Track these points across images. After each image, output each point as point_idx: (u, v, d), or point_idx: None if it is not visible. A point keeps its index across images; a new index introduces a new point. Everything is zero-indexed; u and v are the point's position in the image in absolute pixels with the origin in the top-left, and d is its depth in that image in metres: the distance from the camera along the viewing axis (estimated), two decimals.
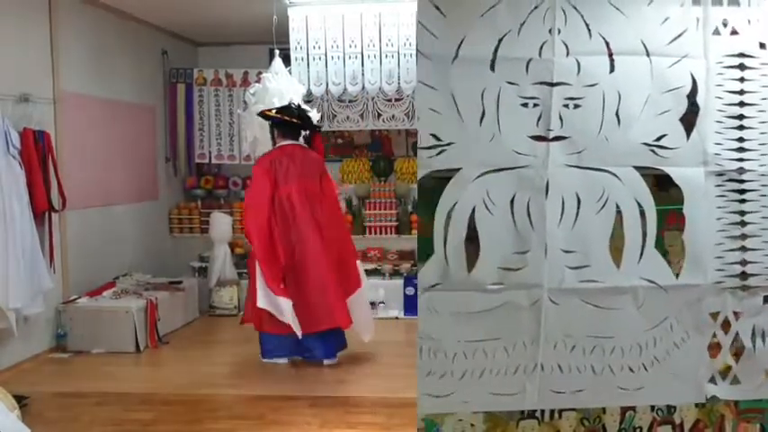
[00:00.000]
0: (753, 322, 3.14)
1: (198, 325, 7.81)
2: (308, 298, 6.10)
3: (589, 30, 2.88)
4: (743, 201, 3.05)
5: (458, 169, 2.87)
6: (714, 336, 3.12)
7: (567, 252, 2.94)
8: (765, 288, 3.11)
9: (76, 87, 7.11)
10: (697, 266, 3.04)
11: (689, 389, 3.16)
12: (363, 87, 7.55)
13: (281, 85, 6.99)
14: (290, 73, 7.29)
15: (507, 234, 2.92)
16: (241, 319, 6.58)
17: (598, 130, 2.91)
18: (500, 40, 2.84)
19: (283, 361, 6.41)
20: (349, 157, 9.48)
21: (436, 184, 2.88)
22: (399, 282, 8.18)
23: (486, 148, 2.87)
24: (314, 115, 7.17)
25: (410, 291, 7.98)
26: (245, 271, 7.51)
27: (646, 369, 3.08)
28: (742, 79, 3.01)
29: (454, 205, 2.88)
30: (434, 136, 2.86)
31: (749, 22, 3.02)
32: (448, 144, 2.86)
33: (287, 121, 6.36)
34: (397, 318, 8.01)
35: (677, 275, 3.03)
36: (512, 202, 2.90)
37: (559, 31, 2.86)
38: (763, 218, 3.07)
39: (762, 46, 3.03)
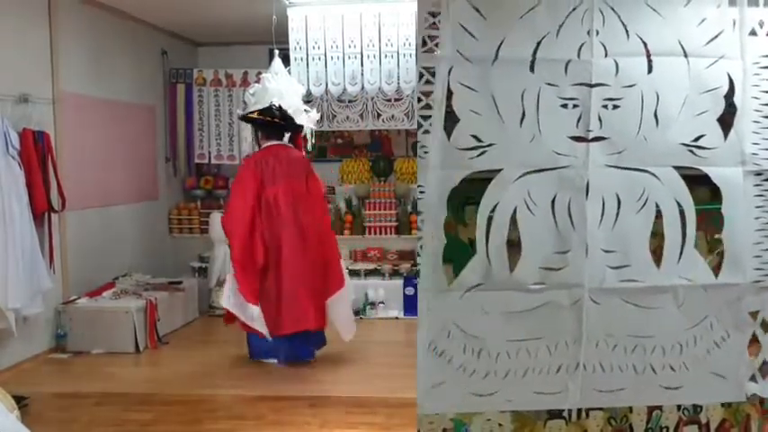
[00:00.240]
0: None
1: (198, 325, 7.81)
2: (282, 299, 6.11)
3: (627, 31, 2.91)
4: None
5: (499, 170, 2.91)
6: (754, 334, 3.15)
7: (607, 252, 2.98)
8: None
9: (76, 88, 7.10)
10: (736, 266, 3.06)
11: (729, 387, 3.19)
12: (363, 87, 7.57)
13: (280, 86, 6.97)
14: (290, 73, 7.29)
15: (548, 234, 2.96)
16: (224, 319, 6.58)
17: (637, 131, 2.94)
18: (539, 42, 2.88)
19: (272, 361, 6.41)
20: (349, 158, 9.53)
21: (470, 185, 2.91)
22: (399, 282, 8.17)
23: (526, 149, 2.91)
24: (313, 115, 7.18)
25: (410, 291, 7.98)
26: None
27: (686, 368, 3.11)
28: None
29: (495, 206, 2.92)
30: (475, 137, 2.89)
31: None
32: (489, 145, 2.89)
33: (270, 121, 6.36)
34: (396, 318, 8.01)
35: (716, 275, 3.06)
36: (552, 202, 2.94)
37: (597, 33, 2.90)
38: None
39: None
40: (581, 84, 2.89)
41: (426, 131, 2.84)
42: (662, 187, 2.95)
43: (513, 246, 2.92)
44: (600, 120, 2.90)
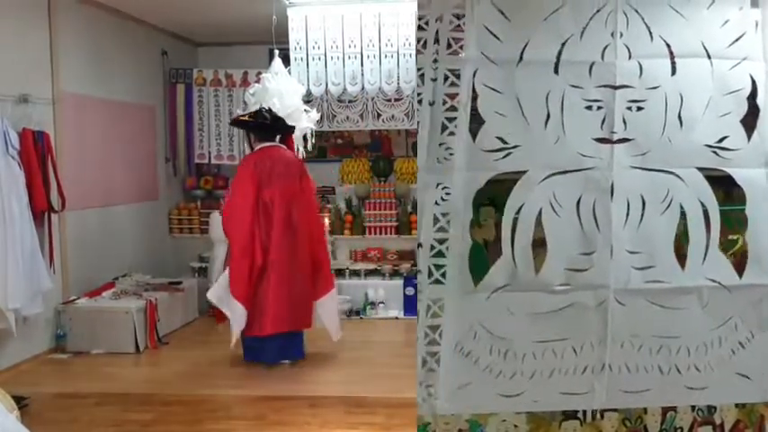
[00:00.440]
0: None
1: (198, 325, 7.80)
2: (270, 300, 6.12)
3: (650, 33, 2.93)
4: None
5: (524, 171, 2.93)
6: None
7: (632, 253, 2.99)
8: None
9: (76, 88, 7.09)
10: (760, 266, 3.08)
11: (754, 388, 3.20)
12: (363, 87, 7.56)
13: (280, 86, 6.98)
14: (290, 73, 7.28)
15: (573, 235, 2.98)
16: (216, 319, 6.62)
17: (661, 133, 2.96)
18: (563, 44, 2.90)
19: (285, 362, 6.43)
20: (349, 158, 9.53)
21: (485, 186, 2.92)
22: (399, 282, 8.18)
23: (551, 151, 2.93)
24: (313, 115, 7.20)
25: (410, 291, 7.98)
26: None
27: (712, 368, 3.12)
28: None
29: (521, 207, 2.93)
30: (500, 139, 2.91)
31: None
32: (514, 147, 2.91)
33: (261, 124, 6.38)
34: (396, 318, 8.01)
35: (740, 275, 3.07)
36: (578, 203, 2.96)
37: (621, 35, 2.91)
38: None
39: None
40: (605, 86, 2.91)
41: (451, 133, 2.85)
42: (686, 188, 2.97)
43: (538, 247, 2.93)
44: (624, 121, 2.92)
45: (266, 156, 6.27)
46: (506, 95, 2.88)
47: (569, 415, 3.17)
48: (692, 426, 3.23)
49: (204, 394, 5.61)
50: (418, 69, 2.83)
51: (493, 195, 2.95)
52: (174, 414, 5.21)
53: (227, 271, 6.17)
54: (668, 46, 2.92)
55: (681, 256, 3.00)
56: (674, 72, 2.93)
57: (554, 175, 2.92)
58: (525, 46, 2.87)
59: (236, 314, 6.05)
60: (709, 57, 2.95)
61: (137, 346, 6.79)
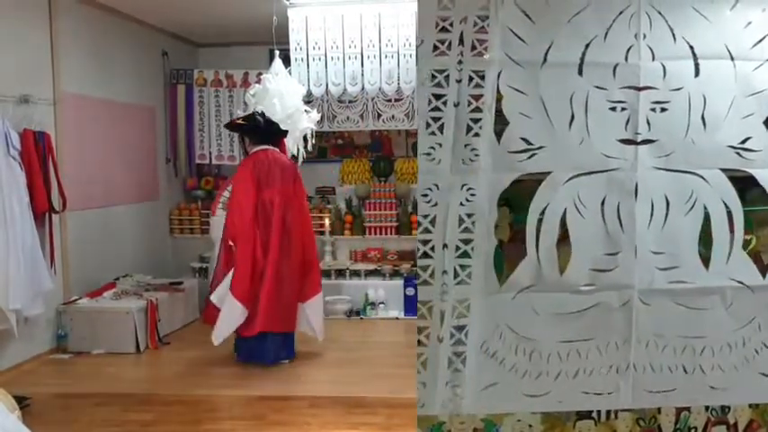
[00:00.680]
0: None
1: (198, 325, 7.74)
2: (262, 300, 6.18)
3: (674, 34, 2.94)
4: None
5: (548, 172, 2.94)
6: None
7: (656, 253, 3.00)
8: None
9: (77, 88, 7.08)
10: None
11: None
12: (363, 88, 7.56)
13: (281, 86, 7.00)
14: (290, 74, 7.29)
15: (598, 236, 2.98)
16: (203, 319, 6.65)
17: (685, 134, 2.97)
18: (587, 45, 2.91)
19: (284, 361, 6.48)
20: (349, 158, 9.55)
21: (512, 187, 2.94)
22: (399, 282, 8.18)
23: (575, 152, 2.94)
24: (314, 116, 7.21)
25: (410, 291, 7.98)
26: None
27: (736, 368, 3.12)
28: None
29: (545, 208, 2.94)
30: (525, 140, 2.91)
31: None
32: (539, 148, 2.92)
33: (255, 127, 6.43)
34: (397, 318, 8.03)
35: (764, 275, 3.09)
36: (602, 204, 2.97)
37: (645, 36, 2.92)
38: None
39: None
40: (629, 87, 2.91)
41: (476, 134, 2.85)
42: (710, 189, 2.97)
43: (563, 247, 2.95)
44: (648, 123, 2.92)
45: (263, 158, 6.31)
46: (531, 97, 2.89)
47: (584, 415, 3.17)
48: (705, 425, 3.24)
49: (204, 394, 5.62)
50: (442, 71, 2.83)
51: (508, 196, 2.95)
52: (175, 414, 5.21)
53: (228, 277, 6.17)
54: (691, 47, 2.93)
55: (704, 256, 3.02)
56: (697, 73, 2.94)
57: (578, 176, 2.92)
58: (549, 47, 2.88)
59: (235, 314, 6.08)
60: (732, 58, 2.95)
61: (137, 347, 6.80)
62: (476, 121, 2.87)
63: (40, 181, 6.20)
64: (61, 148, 6.70)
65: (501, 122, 2.89)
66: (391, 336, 7.43)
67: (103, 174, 7.59)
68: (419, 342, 2.97)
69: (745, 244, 3.09)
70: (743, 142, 2.99)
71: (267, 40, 7.42)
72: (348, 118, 8.21)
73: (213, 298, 6.16)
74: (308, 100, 7.53)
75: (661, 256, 2.99)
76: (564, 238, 2.94)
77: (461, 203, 2.88)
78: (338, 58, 7.49)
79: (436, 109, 2.84)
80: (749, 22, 2.97)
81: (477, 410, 3.06)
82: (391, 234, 8.65)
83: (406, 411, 4.89)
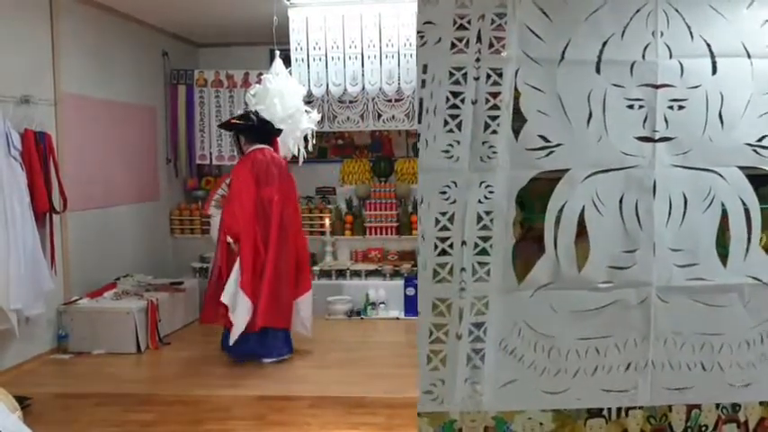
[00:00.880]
0: None
1: (198, 326, 7.75)
2: (262, 296, 6.23)
3: (691, 32, 2.95)
4: None
5: (566, 170, 2.95)
6: None
7: (674, 251, 3.01)
8: None
9: (77, 89, 7.07)
10: None
11: None
12: (363, 88, 7.56)
13: (281, 86, 7.00)
14: (291, 74, 7.29)
15: (616, 233, 2.99)
16: (201, 320, 6.66)
17: (702, 131, 2.98)
18: (604, 43, 2.92)
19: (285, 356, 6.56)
20: (349, 158, 9.54)
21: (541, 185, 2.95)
22: (400, 282, 8.17)
23: (593, 149, 2.95)
24: (314, 116, 7.22)
25: (410, 291, 7.96)
26: None
27: (754, 366, 3.13)
28: None
29: (563, 205, 2.95)
30: (543, 137, 2.92)
31: None
32: (557, 145, 2.93)
33: (249, 126, 6.48)
34: (397, 318, 8.01)
35: None
36: (620, 201, 2.98)
37: (662, 34, 2.93)
38: None
39: None
40: (647, 85, 2.92)
41: (494, 132, 2.86)
42: (727, 187, 2.98)
43: (581, 245, 2.96)
44: (666, 120, 2.93)
45: (261, 157, 6.36)
46: (548, 94, 2.90)
47: (595, 413, 3.17)
48: (716, 423, 3.24)
49: (205, 394, 5.62)
50: (460, 68, 2.84)
51: (519, 195, 2.96)
52: (175, 414, 5.21)
53: (235, 273, 6.18)
54: (708, 45, 2.94)
55: (722, 253, 3.03)
56: (714, 71, 2.95)
57: (597, 173, 2.93)
58: (567, 45, 2.89)
59: (245, 309, 6.13)
60: (749, 56, 2.96)
61: (138, 347, 6.79)
62: (494, 118, 2.88)
63: (41, 181, 6.19)
64: (62, 149, 6.69)
65: (519, 120, 2.90)
66: (392, 336, 7.42)
67: (104, 174, 7.58)
68: (437, 339, 2.97)
69: (761, 241, 3.11)
70: (760, 140, 3.00)
71: (268, 40, 7.42)
72: (348, 118, 8.21)
73: (224, 299, 6.14)
74: (309, 100, 7.53)
75: (679, 253, 3.00)
76: (582, 236, 2.96)
77: (480, 201, 2.89)
78: (339, 59, 7.48)
79: (454, 106, 2.85)
80: (766, 21, 2.98)
81: (496, 407, 3.07)
82: (392, 234, 8.65)
83: (407, 411, 4.88)
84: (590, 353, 3.04)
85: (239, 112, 8.15)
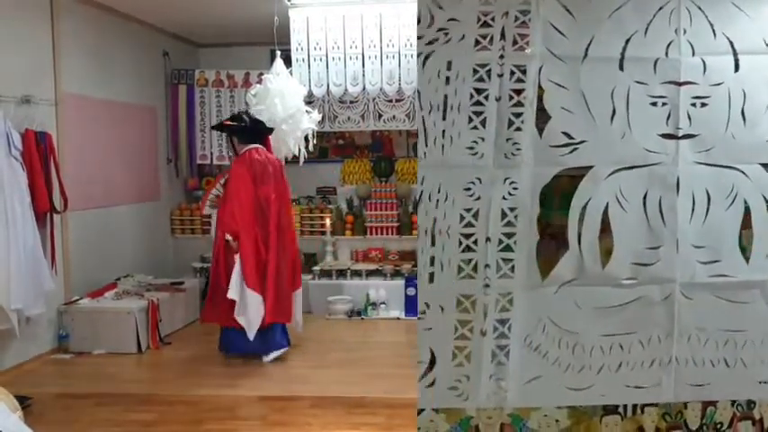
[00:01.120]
0: None
1: (199, 325, 7.74)
2: (270, 292, 6.29)
3: (713, 30, 2.97)
4: None
5: (590, 167, 2.96)
6: None
7: (697, 247, 3.03)
8: None
9: (78, 89, 7.06)
10: None
11: None
12: (364, 88, 7.55)
13: (282, 86, 7.00)
14: (291, 74, 7.29)
15: (640, 230, 3.00)
16: (202, 319, 6.68)
17: (725, 129, 3.00)
18: (627, 41, 2.94)
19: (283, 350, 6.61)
20: (350, 158, 9.57)
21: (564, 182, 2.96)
22: (400, 282, 8.17)
23: (617, 146, 2.96)
24: (315, 116, 7.22)
25: (411, 291, 7.97)
26: None
27: None
28: None
29: (587, 202, 2.97)
30: (566, 134, 2.94)
31: None
32: (580, 142, 2.94)
33: (242, 127, 6.51)
34: (398, 318, 8.01)
35: None
36: (644, 198, 2.99)
37: (685, 31, 2.95)
38: None
39: None
40: (670, 82, 2.94)
41: (518, 129, 2.88)
42: (750, 184, 3.00)
43: (605, 241, 2.97)
44: (689, 117, 2.96)
45: (257, 156, 6.38)
46: (572, 91, 2.91)
47: (610, 410, 3.19)
48: (731, 421, 3.26)
49: (205, 394, 5.62)
50: (484, 65, 2.85)
51: (541, 191, 2.98)
52: (176, 414, 5.21)
53: (237, 270, 6.19)
54: (731, 43, 2.96)
55: (745, 250, 3.05)
56: (737, 69, 2.97)
57: (620, 170, 2.95)
58: (590, 42, 2.90)
59: (256, 303, 6.17)
60: None
61: (139, 347, 6.79)
62: (518, 115, 2.90)
63: (42, 181, 6.18)
64: (62, 149, 6.68)
65: (542, 117, 2.92)
66: (392, 336, 7.41)
67: (105, 174, 7.58)
68: (462, 335, 2.98)
69: None
70: None
71: (268, 40, 7.40)
72: (349, 118, 8.19)
73: (231, 294, 6.14)
74: (309, 100, 7.52)
75: (702, 250, 3.02)
76: (605, 232, 2.97)
77: (504, 197, 2.90)
78: (339, 59, 7.48)
79: (478, 103, 2.87)
80: None
81: (521, 403, 3.08)
82: (392, 234, 8.67)
83: (407, 411, 4.90)
84: (614, 349, 3.06)
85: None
